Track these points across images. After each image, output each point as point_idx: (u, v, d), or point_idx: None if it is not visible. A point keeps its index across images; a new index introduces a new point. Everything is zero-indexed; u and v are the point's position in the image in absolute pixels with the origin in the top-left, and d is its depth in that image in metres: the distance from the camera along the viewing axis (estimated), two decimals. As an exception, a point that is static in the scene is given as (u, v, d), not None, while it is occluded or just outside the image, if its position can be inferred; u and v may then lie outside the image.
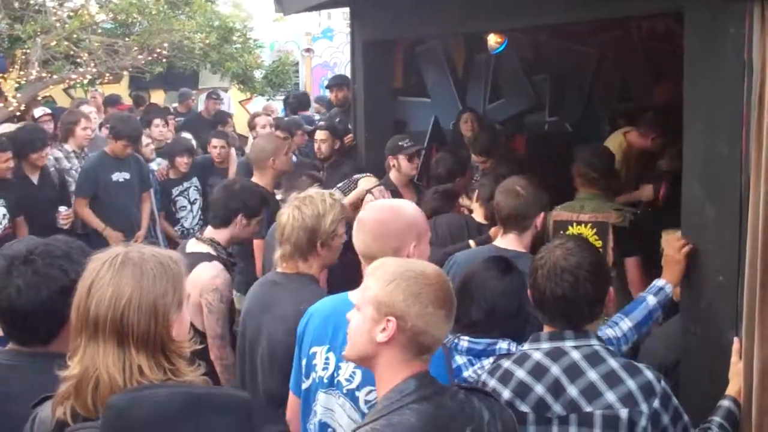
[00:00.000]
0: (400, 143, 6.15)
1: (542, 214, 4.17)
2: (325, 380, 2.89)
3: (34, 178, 7.13)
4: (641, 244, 4.68)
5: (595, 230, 4.77)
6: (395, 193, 5.94)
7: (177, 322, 2.16)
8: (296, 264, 3.55)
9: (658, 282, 3.51)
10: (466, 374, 3.13)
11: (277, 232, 3.64)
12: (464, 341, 3.22)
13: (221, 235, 4.42)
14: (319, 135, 7.37)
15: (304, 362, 3.02)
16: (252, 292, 3.72)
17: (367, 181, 6.28)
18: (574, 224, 4.94)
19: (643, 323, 3.42)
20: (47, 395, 2.19)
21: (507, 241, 4.09)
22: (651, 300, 3.46)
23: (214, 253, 4.31)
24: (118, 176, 7.35)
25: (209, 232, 4.48)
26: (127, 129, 7.40)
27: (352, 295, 2.92)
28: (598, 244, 4.69)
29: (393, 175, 6.16)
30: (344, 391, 2.82)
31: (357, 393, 2.78)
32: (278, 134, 8.44)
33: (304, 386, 2.99)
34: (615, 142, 6.63)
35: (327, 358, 2.91)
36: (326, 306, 3.05)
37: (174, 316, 2.15)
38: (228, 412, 1.84)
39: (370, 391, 2.73)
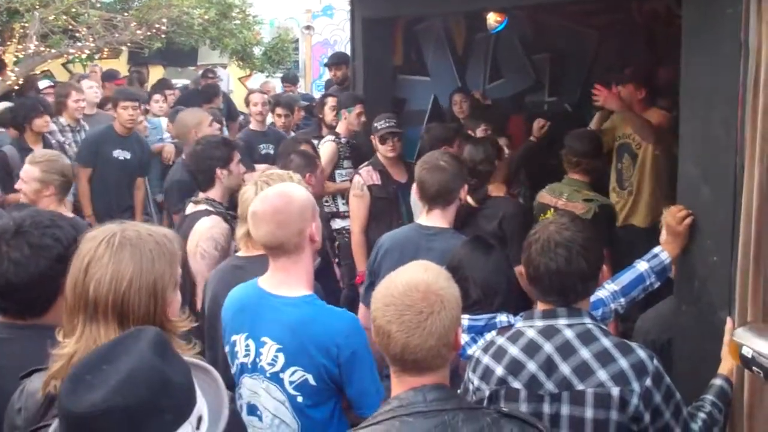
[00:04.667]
0: (375, 123, 6.04)
1: (466, 186, 4.22)
2: (249, 365, 2.98)
3: (37, 149, 7.03)
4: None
5: None
6: (383, 173, 5.93)
7: (172, 301, 2.18)
8: None
9: (655, 249, 3.53)
10: (470, 352, 3.15)
11: (240, 209, 3.64)
12: (464, 320, 3.24)
13: (213, 193, 4.59)
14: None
15: (227, 349, 3.11)
16: (216, 278, 3.69)
17: (325, 147, 6.48)
18: (552, 209, 5.17)
19: (632, 286, 3.44)
20: (36, 368, 2.20)
21: (431, 218, 4.12)
22: (642, 266, 3.48)
23: (211, 209, 4.45)
24: (120, 154, 7.37)
25: (202, 194, 4.62)
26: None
27: (262, 281, 3.03)
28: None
29: (379, 153, 6.07)
30: (267, 375, 2.91)
31: (281, 375, 2.88)
32: (279, 111, 8.53)
33: (232, 371, 3.09)
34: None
35: (247, 345, 3.00)
36: (240, 295, 3.12)
37: (171, 295, 2.16)
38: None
39: (294, 372, 2.85)
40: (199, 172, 4.63)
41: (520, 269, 3.65)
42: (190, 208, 4.55)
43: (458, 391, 2.80)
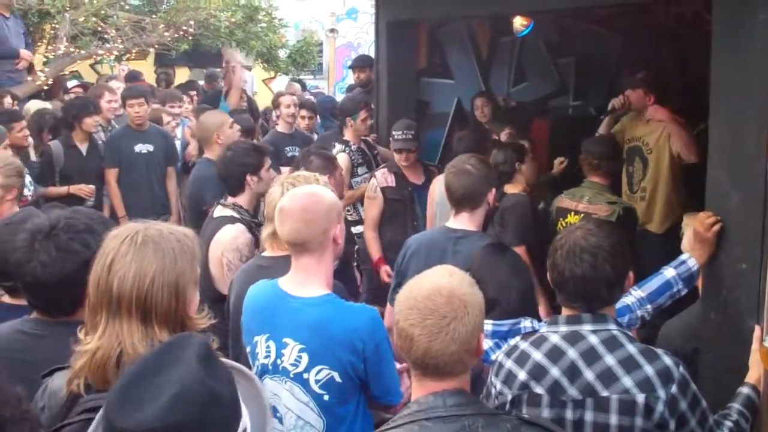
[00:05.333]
0: (393, 131, 6.02)
1: (494, 190, 4.22)
2: (270, 367, 2.99)
3: (83, 149, 7.23)
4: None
5: None
6: (398, 175, 5.97)
7: (192, 298, 2.20)
8: None
9: (683, 256, 3.48)
10: (494, 357, 3.14)
11: (267, 210, 3.65)
12: (488, 325, 3.23)
13: (242, 199, 4.60)
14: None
15: (248, 350, 3.12)
16: (241, 278, 3.69)
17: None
18: (572, 213, 5.18)
19: (659, 293, 3.39)
20: (58, 366, 2.23)
21: (458, 221, 4.12)
22: (669, 272, 3.44)
23: (237, 216, 4.47)
24: (141, 148, 7.43)
25: (231, 198, 4.63)
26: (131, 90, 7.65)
27: (283, 282, 3.04)
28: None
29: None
30: (291, 376, 2.92)
31: (305, 375, 2.89)
32: (303, 113, 8.57)
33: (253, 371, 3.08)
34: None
35: (268, 347, 3.01)
36: (258, 295, 3.13)
37: (192, 293, 2.19)
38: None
39: (320, 370, 2.86)
40: (230, 178, 4.63)
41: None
42: (218, 211, 4.56)
43: (481, 395, 2.79)
